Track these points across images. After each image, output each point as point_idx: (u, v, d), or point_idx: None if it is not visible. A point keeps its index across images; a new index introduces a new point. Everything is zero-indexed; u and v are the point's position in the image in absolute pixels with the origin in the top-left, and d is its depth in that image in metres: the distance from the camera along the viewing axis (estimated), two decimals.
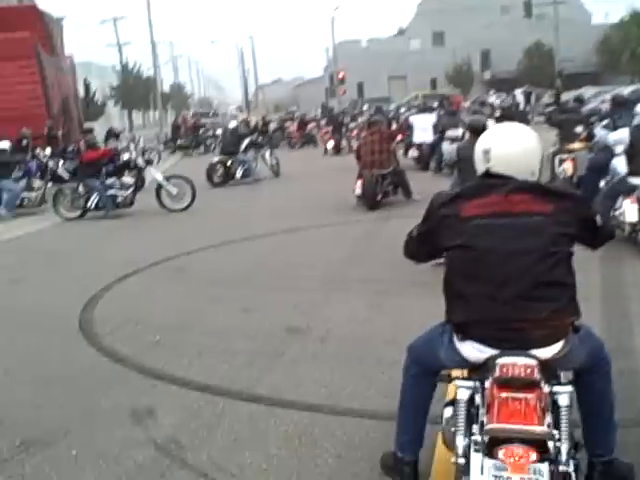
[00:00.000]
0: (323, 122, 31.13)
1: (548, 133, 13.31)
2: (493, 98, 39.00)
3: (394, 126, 21.22)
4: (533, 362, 2.72)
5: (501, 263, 2.85)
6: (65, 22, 36.12)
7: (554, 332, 2.84)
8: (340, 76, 58.15)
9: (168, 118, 60.73)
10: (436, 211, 3.07)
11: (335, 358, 5.33)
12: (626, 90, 28.11)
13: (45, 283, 8.65)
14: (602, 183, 10.20)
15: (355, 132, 26.10)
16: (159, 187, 14.25)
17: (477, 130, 8.64)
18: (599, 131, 10.75)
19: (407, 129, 18.98)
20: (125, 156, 14.49)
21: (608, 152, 9.70)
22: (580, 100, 17.84)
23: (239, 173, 18.30)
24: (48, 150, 20.75)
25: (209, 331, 6.20)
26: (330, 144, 25.71)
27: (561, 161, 12.81)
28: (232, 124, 20.58)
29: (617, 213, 8.28)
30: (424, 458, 3.34)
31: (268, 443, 4.00)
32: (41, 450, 4.07)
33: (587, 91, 35.50)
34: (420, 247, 3.29)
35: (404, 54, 70.89)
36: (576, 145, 12.77)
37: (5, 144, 15.93)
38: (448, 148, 15.46)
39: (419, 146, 18.26)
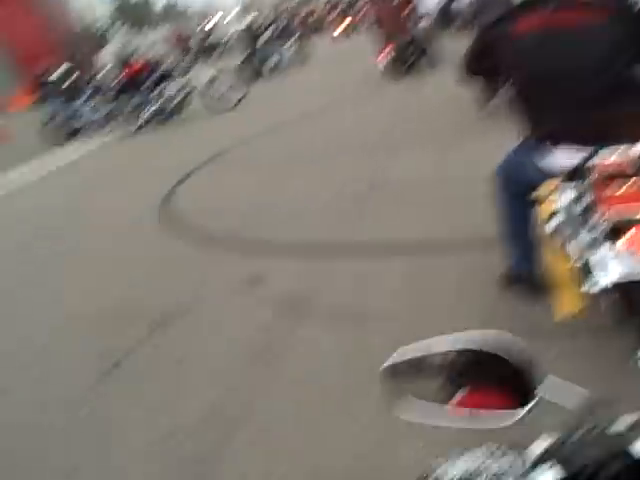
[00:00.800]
0: (328, 6, 30.54)
1: None
2: None
3: None
4: (634, 151, 2.56)
5: (572, 74, 2.80)
6: None
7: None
8: None
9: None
10: (486, 33, 3.05)
11: (417, 203, 5.55)
12: None
13: (119, 189, 9.08)
14: None
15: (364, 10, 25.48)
16: (205, 90, 14.27)
17: None
18: None
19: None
20: (163, 66, 14.68)
21: None
22: None
23: (266, 67, 18.36)
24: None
25: (291, 201, 6.47)
26: (339, 29, 25.25)
27: None
28: (241, 25, 20.41)
29: None
30: None
31: (386, 285, 4.14)
32: (172, 323, 4.44)
33: None
34: (478, 63, 3.18)
35: None
36: None
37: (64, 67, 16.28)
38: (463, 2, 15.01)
39: (427, 16, 17.66)
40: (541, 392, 0.98)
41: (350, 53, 18.64)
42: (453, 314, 3.52)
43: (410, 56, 12.57)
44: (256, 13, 24.40)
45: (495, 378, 1.02)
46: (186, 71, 14.98)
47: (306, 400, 3.17)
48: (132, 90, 14.21)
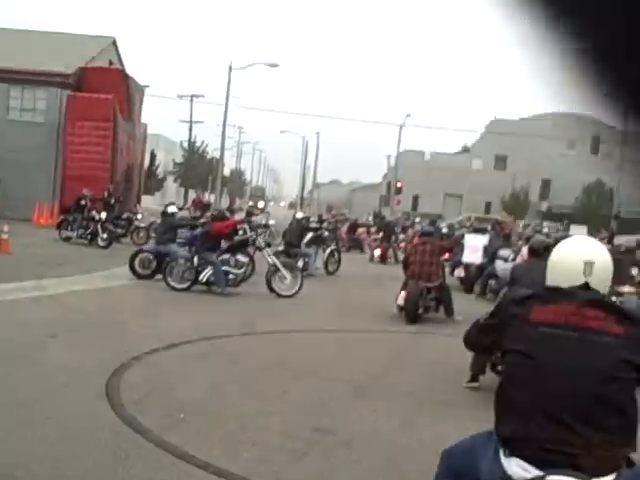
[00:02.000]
0: (374, 229, 31.30)
1: None
2: (546, 229, 38.92)
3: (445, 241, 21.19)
4: None
5: (561, 379, 2.74)
6: (147, 91, 37.36)
7: (606, 462, 2.67)
8: (398, 185, 58.95)
9: (223, 201, 61.95)
10: (506, 307, 3.02)
11: (358, 465, 5.20)
12: None
13: (84, 341, 8.66)
14: None
15: (404, 244, 26.19)
16: (274, 270, 14.23)
17: (538, 251, 8.27)
18: None
19: (457, 247, 18.93)
20: (244, 233, 14.81)
21: None
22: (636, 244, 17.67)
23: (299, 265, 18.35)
24: (104, 214, 21.40)
25: (235, 417, 6.10)
26: (377, 252, 25.79)
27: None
28: (298, 215, 20.92)
29: None
30: None
31: None
32: None
33: None
34: (483, 337, 3.22)
35: (464, 172, 71.66)
36: (626, 288, 12.56)
37: (173, 208, 16.55)
38: (502, 266, 15.18)
39: (467, 266, 18.11)
40: None
41: (377, 279, 18.83)
42: None
43: (426, 302, 12.50)
44: (302, 213, 25.11)
45: None
46: (268, 245, 15.06)
47: None
48: (206, 247, 13.96)
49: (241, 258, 14.27)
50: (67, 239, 21.44)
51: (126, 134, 30.70)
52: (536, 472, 2.69)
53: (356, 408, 6.69)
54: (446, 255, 15.80)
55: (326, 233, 21.12)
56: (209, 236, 14.20)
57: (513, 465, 2.78)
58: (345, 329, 11.14)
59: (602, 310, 2.83)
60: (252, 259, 14.84)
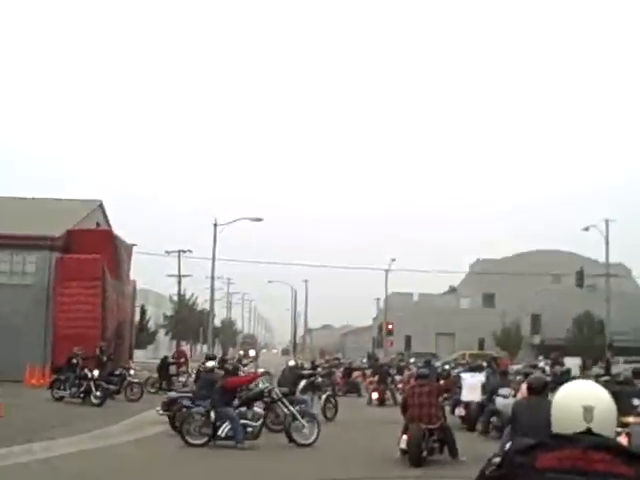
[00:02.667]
0: (369, 372, 31.02)
1: None
2: (542, 364, 38.62)
3: (441, 382, 21.01)
4: None
5: None
6: (135, 249, 37.95)
7: None
8: (389, 327, 59.01)
9: (215, 352, 61.44)
10: (512, 457, 2.96)
11: None
12: None
13: None
14: None
15: (401, 385, 25.89)
16: (292, 419, 14.11)
17: (537, 389, 8.74)
18: None
19: (455, 386, 18.77)
20: (260, 385, 14.82)
21: None
22: (638, 372, 17.44)
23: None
24: (96, 372, 21.16)
25: None
26: (375, 395, 25.45)
27: (616, 434, 12.36)
28: (291, 362, 20.83)
29: None
30: None
31: None
32: None
33: (638, 366, 34.98)
34: None
35: (453, 312, 72.10)
36: (631, 419, 12.42)
37: (212, 363, 16.97)
38: (502, 402, 15.08)
39: (466, 405, 17.91)
40: None
41: (376, 423, 18.43)
42: None
43: (430, 444, 12.23)
44: (294, 361, 25.07)
45: None
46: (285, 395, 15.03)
47: None
48: (223, 401, 13.86)
49: (257, 410, 14.22)
50: (60, 399, 21.05)
51: (115, 292, 30.97)
52: None
53: None
54: (445, 394, 15.66)
55: (320, 379, 20.90)
56: (225, 390, 14.17)
57: None
58: (350, 478, 10.82)
59: (608, 452, 2.80)
60: (270, 410, 14.73)
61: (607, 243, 48.57)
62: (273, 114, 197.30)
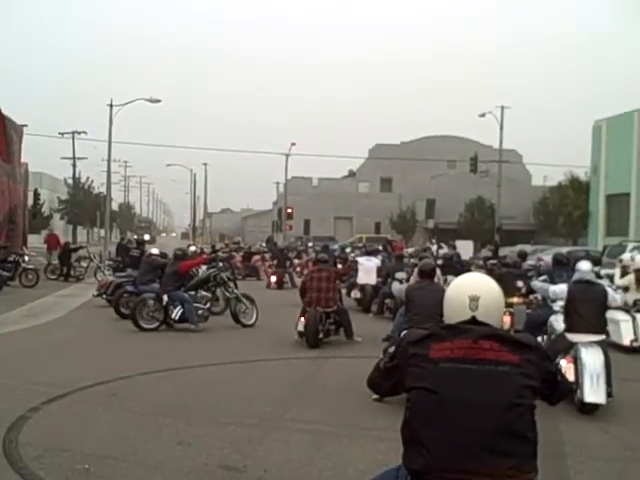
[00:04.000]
0: (268, 256, 31.38)
1: None
2: (435, 247, 40.03)
3: (339, 266, 21.51)
4: None
5: (465, 412, 2.84)
6: (26, 130, 36.20)
7: None
8: (288, 211, 59.39)
9: (113, 236, 60.56)
10: (405, 348, 3.08)
11: None
12: (564, 250, 29.24)
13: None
14: (539, 339, 10.48)
15: (299, 268, 26.38)
16: (236, 302, 14.79)
17: (427, 272, 9.36)
18: (537, 283, 11.13)
19: (352, 270, 19.29)
20: (207, 269, 15.28)
21: (547, 309, 10.07)
22: (523, 255, 18.27)
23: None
24: None
25: (141, 463, 5.98)
26: (273, 278, 25.85)
27: None
28: (192, 248, 20.73)
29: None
30: None
31: None
32: None
33: (523, 248, 36.69)
34: (385, 381, 3.27)
35: (352, 196, 73.19)
36: (515, 299, 13.14)
37: (193, 247, 17.74)
38: (397, 287, 15.64)
39: (362, 287, 18.45)
40: None
41: (275, 306, 18.70)
42: None
43: (326, 327, 12.64)
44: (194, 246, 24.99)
45: None
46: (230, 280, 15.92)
47: None
48: (174, 285, 14.20)
49: (205, 293, 14.78)
50: None
51: (6, 175, 29.65)
52: None
53: (264, 443, 6.67)
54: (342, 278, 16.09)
55: (220, 263, 21.00)
56: (178, 274, 14.42)
57: None
58: (247, 360, 11.10)
59: (497, 341, 2.96)
60: (215, 294, 15.33)
61: (501, 129, 49.88)
62: None
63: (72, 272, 25.30)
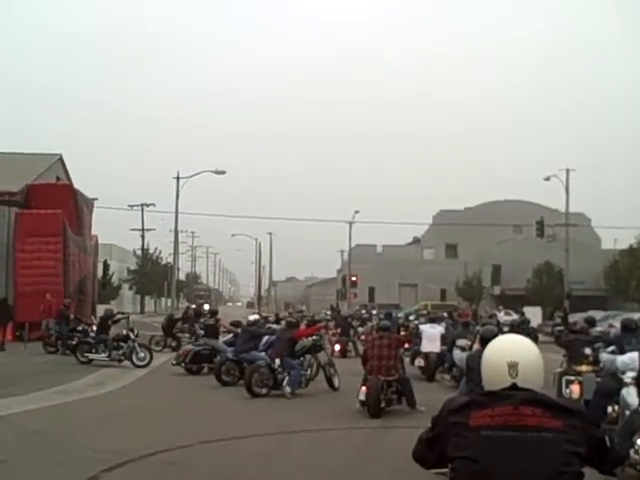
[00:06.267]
0: (332, 324, 31.28)
1: (555, 353, 13.30)
2: (502, 314, 39.31)
3: (402, 333, 21.28)
4: None
5: (519, 475, 2.77)
6: (96, 203, 37.54)
7: None
8: (353, 279, 59.39)
9: (180, 305, 61.50)
10: (445, 417, 3.03)
11: None
12: (636, 316, 28.29)
13: (39, 464, 8.32)
14: (609, 409, 10.02)
15: (363, 336, 26.19)
16: (329, 367, 15.51)
17: (488, 340, 8.90)
18: (604, 355, 10.62)
19: (415, 337, 19.06)
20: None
21: (617, 379, 9.53)
22: (591, 321, 17.71)
23: None
24: (94, 327, 21.70)
25: None
26: (337, 347, 25.70)
27: (568, 382, 12.64)
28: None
29: (632, 452, 7.38)
30: None
31: None
32: None
33: (595, 315, 35.66)
34: (428, 452, 3.18)
35: (417, 263, 72.76)
36: (584, 367, 12.68)
37: (255, 316, 18.60)
38: (459, 355, 15.37)
39: (426, 355, 18.18)
40: None
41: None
42: None
43: (388, 396, 12.45)
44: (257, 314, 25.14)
45: None
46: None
47: None
48: (288, 352, 14.72)
49: (310, 360, 15.47)
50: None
51: (77, 247, 30.60)
52: None
53: None
54: (406, 345, 15.90)
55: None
56: (293, 341, 15.02)
57: None
58: (308, 429, 10.99)
59: (538, 407, 2.89)
60: (317, 359, 15.87)
61: (567, 192, 49.18)
62: (237, 66, 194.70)
63: (180, 343, 24.61)
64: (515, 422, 2.85)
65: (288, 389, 14.24)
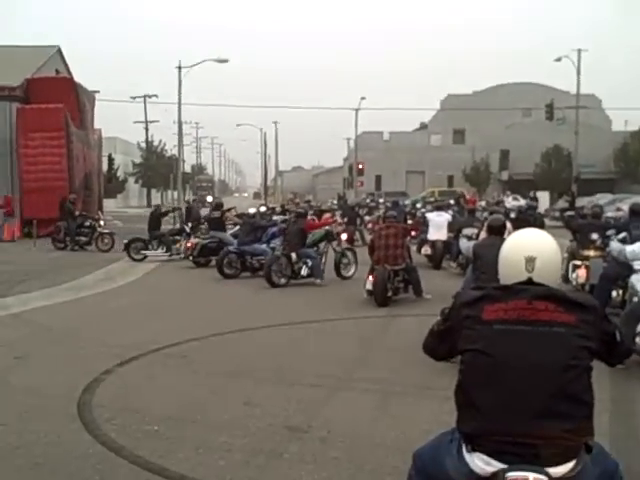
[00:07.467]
0: (338, 213, 31.28)
1: (562, 238, 13.25)
2: (510, 199, 39.17)
3: (409, 221, 21.30)
4: (544, 478, 2.67)
5: (519, 374, 2.79)
6: (98, 96, 36.84)
7: (566, 451, 2.74)
8: (359, 167, 59.07)
9: (187, 197, 61.57)
10: (458, 310, 3.03)
11: (335, 462, 5.18)
12: None
13: (53, 360, 8.54)
14: (614, 293, 10.07)
15: (371, 225, 26.25)
16: (341, 256, 15.87)
17: (496, 229, 8.80)
18: (613, 244, 10.51)
19: (422, 225, 19.06)
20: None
21: (623, 264, 9.46)
22: (599, 207, 17.49)
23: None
24: (102, 222, 21.92)
25: (208, 424, 6.08)
26: (344, 236, 25.75)
27: (575, 267, 12.71)
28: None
29: (639, 339, 7.56)
30: None
31: None
32: None
33: (602, 198, 35.60)
34: (439, 345, 3.22)
35: (424, 149, 72.05)
36: (591, 252, 12.69)
37: (256, 209, 18.74)
38: (465, 244, 15.36)
39: (433, 243, 18.24)
40: None
41: None
42: None
43: (395, 285, 12.55)
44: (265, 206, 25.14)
45: None
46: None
47: None
48: (302, 243, 15.06)
49: (323, 249, 15.77)
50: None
51: (80, 142, 30.24)
52: (499, 465, 2.75)
53: (330, 403, 6.69)
54: (412, 234, 15.92)
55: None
56: (304, 233, 15.30)
57: (476, 460, 2.84)
58: (316, 319, 11.11)
59: (552, 301, 2.87)
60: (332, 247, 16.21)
61: (578, 73, 48.05)
62: None
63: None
64: (528, 316, 2.85)
65: (318, 280, 14.82)
